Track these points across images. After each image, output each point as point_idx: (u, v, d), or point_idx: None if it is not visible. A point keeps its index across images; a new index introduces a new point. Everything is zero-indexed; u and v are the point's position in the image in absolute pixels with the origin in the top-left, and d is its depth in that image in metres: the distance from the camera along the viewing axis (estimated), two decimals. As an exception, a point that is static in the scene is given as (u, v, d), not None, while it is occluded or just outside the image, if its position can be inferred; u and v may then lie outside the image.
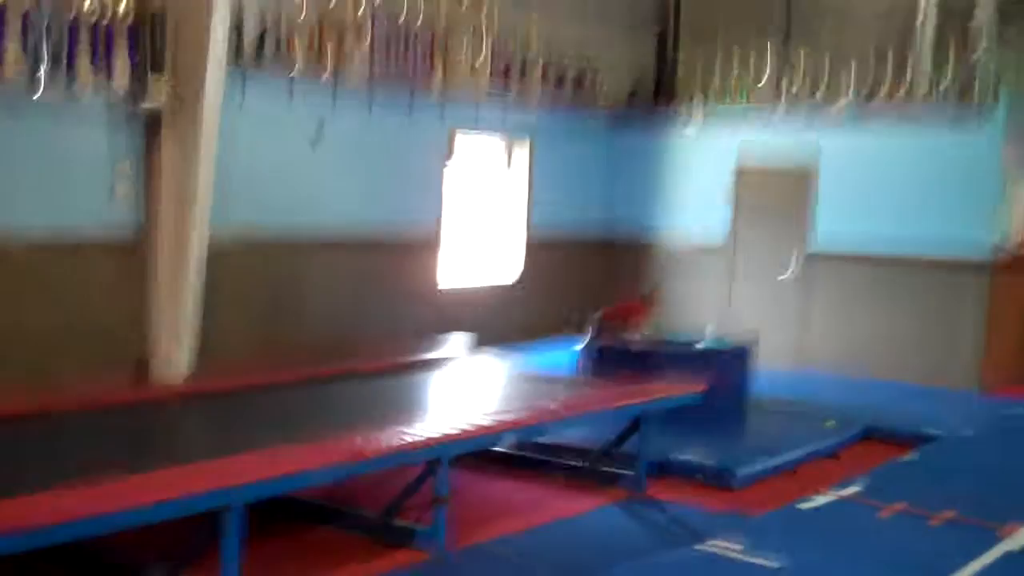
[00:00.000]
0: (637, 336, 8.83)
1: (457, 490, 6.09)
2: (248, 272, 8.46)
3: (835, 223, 10.69)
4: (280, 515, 5.66)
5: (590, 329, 8.95)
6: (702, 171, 11.46)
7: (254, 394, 6.39)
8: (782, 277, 10.86)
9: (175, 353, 7.44)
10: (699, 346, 9.00)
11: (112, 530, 3.94)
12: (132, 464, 4.52)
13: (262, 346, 8.57)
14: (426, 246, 10.00)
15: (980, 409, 8.80)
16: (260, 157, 8.43)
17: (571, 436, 6.94)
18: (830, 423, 8.05)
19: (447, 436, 5.18)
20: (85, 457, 4.80)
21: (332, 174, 9.00)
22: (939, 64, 10.44)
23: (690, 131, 11.51)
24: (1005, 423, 8.09)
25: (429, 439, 5.07)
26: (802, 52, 11.32)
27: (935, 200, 10.24)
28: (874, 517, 5.44)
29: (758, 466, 6.82)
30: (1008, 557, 4.87)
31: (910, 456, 6.91)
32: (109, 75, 7.14)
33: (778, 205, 11.04)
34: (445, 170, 10.02)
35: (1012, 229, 10.06)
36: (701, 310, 11.38)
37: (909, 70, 10.54)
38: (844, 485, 6.05)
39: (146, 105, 7.34)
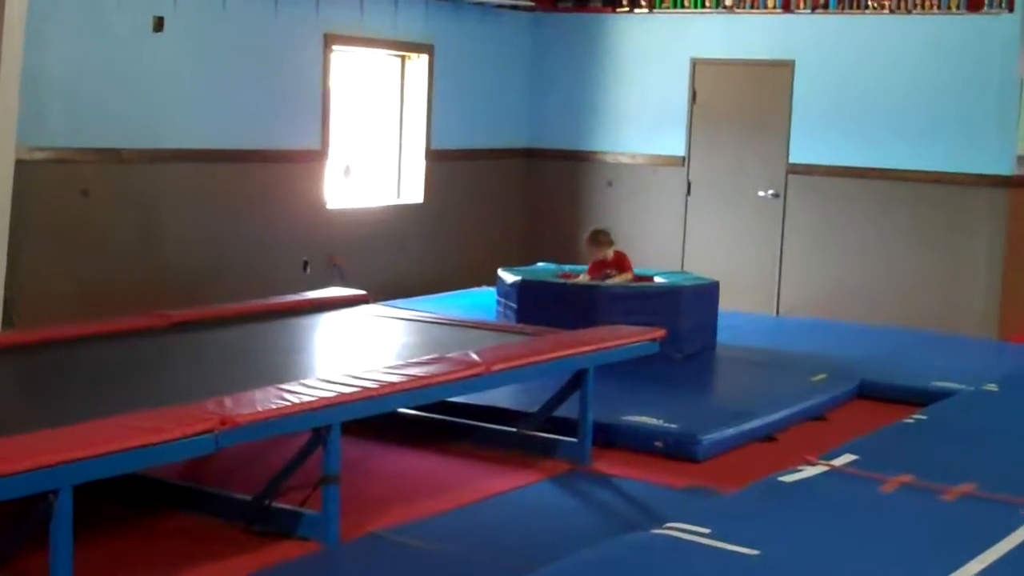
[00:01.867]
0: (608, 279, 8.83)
1: (353, 465, 6.09)
2: (74, 198, 8.34)
3: (818, 130, 10.78)
4: (128, 499, 5.59)
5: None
6: (651, 70, 11.46)
7: (88, 347, 6.29)
8: (764, 194, 10.93)
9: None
10: (653, 284, 9.05)
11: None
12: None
13: (96, 289, 8.45)
14: (309, 158, 9.91)
15: (999, 360, 8.98)
16: (82, 62, 8.31)
17: (497, 396, 6.96)
18: (819, 377, 8.17)
19: (339, 396, 5.14)
20: None
21: (176, 78, 8.89)
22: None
23: (636, 21, 11.48)
24: (1030, 376, 8.27)
25: (316, 400, 5.03)
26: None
27: (941, 103, 10.38)
28: (874, 492, 5.53)
29: (729, 431, 6.90)
30: (1037, 538, 4.98)
31: (916, 417, 7.03)
32: None
33: (747, 109, 11.09)
34: (323, 76, 9.95)
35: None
36: (654, 239, 11.45)
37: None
38: (836, 454, 6.13)
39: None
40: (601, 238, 9.02)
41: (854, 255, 10.81)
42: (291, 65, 9.74)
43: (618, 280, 8.84)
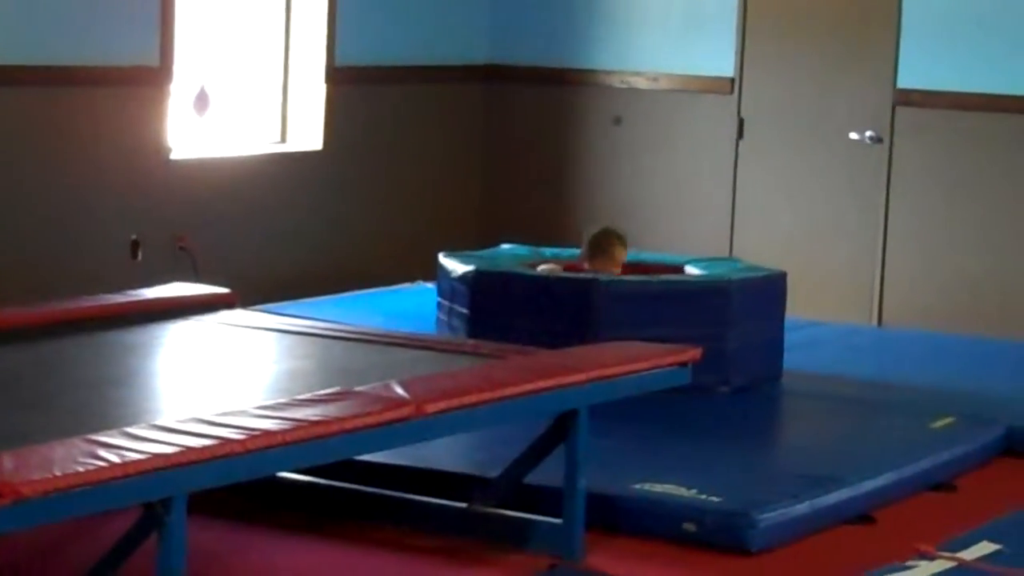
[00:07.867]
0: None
1: (210, 562, 6.06)
2: None
3: (945, 37, 10.83)
4: None
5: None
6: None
7: None
8: (859, 137, 10.97)
9: None
10: (684, 277, 9.05)
11: None
12: None
13: None
14: (142, 79, 9.91)
15: None
16: None
17: (437, 453, 6.97)
18: (944, 423, 8.21)
19: (185, 454, 5.12)
20: None
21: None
22: None
23: None
24: None
25: (149, 459, 5.01)
26: None
27: None
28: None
29: (801, 507, 6.90)
30: None
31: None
32: None
33: (829, 14, 11.13)
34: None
35: None
36: (687, 207, 11.46)
37: None
38: (968, 541, 6.17)
39: None
40: (616, 243, 8.94)
41: (999, 234, 10.83)
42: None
43: None
